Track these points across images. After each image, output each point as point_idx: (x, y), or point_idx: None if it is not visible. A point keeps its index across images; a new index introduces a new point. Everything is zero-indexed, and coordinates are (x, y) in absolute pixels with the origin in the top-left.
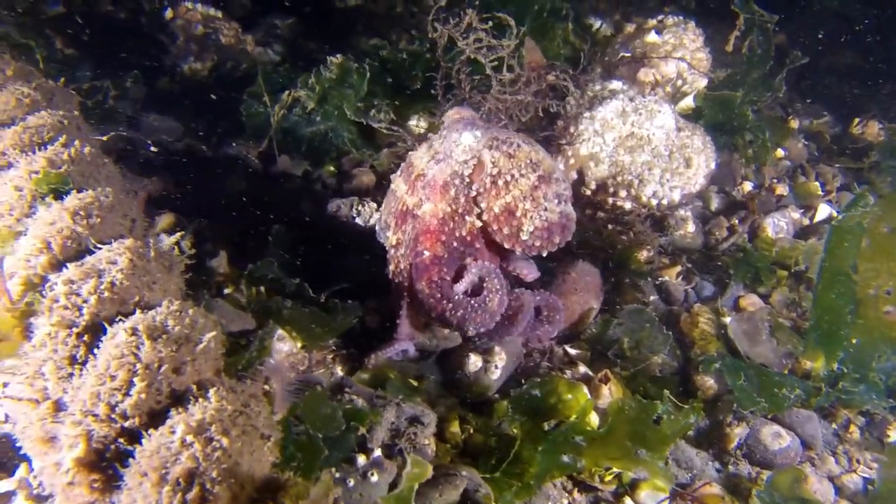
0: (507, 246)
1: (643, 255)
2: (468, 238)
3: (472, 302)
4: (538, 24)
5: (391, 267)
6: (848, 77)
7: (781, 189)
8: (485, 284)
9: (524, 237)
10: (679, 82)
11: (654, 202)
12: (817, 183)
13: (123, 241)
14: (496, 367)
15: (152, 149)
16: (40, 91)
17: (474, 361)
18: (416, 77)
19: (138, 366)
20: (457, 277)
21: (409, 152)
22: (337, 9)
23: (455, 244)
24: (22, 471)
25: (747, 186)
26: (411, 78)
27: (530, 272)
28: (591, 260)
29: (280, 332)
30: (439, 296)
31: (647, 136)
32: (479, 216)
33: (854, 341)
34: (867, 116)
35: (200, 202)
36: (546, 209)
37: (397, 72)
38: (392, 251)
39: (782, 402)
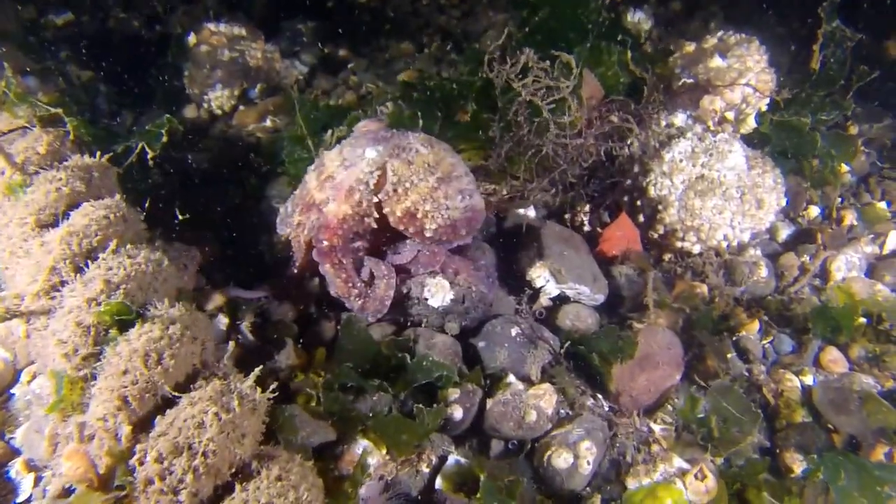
0: (417, 240)
1: (719, 310)
2: (362, 232)
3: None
4: (592, 52)
5: (293, 237)
6: None
7: (850, 217)
8: (374, 273)
9: (428, 234)
10: (743, 105)
11: (724, 244)
12: (884, 204)
13: (205, 390)
14: (588, 462)
15: None
16: (77, 174)
17: (565, 458)
18: (465, 108)
19: None
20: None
21: (323, 150)
22: (360, 5)
23: (351, 236)
24: None
25: (813, 211)
26: (458, 108)
27: (404, 257)
28: (668, 318)
29: (367, 444)
30: (344, 275)
31: (718, 178)
32: (376, 220)
33: None
34: None
35: (247, 266)
36: (448, 207)
37: (447, 102)
38: (296, 229)
39: (884, 500)
